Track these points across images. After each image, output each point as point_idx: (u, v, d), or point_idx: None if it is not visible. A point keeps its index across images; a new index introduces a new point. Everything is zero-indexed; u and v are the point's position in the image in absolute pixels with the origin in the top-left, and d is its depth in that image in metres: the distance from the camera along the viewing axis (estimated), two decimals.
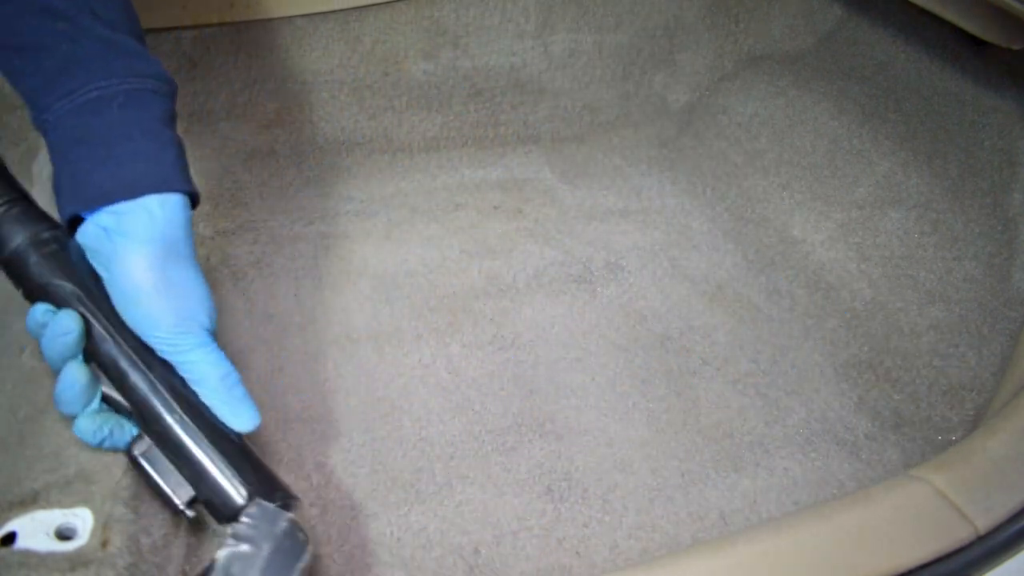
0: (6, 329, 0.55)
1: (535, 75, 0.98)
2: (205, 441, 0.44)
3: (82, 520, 0.45)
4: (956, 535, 0.42)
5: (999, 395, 0.59)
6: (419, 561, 0.54)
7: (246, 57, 0.84)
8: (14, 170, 0.82)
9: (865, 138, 0.92)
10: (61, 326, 0.42)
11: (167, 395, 0.44)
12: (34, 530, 0.43)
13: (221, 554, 0.41)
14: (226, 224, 0.78)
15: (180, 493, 0.44)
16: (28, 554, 0.42)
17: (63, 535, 0.44)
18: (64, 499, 0.45)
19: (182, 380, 0.45)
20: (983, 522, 0.43)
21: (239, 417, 0.45)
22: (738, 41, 1.07)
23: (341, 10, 0.86)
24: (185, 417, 0.44)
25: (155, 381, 0.44)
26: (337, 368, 0.67)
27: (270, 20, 0.84)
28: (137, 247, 0.42)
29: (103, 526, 0.45)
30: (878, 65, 1.01)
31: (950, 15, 0.78)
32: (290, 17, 0.84)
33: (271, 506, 0.43)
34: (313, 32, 0.86)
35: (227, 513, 0.44)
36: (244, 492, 0.43)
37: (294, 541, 0.43)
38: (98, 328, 0.44)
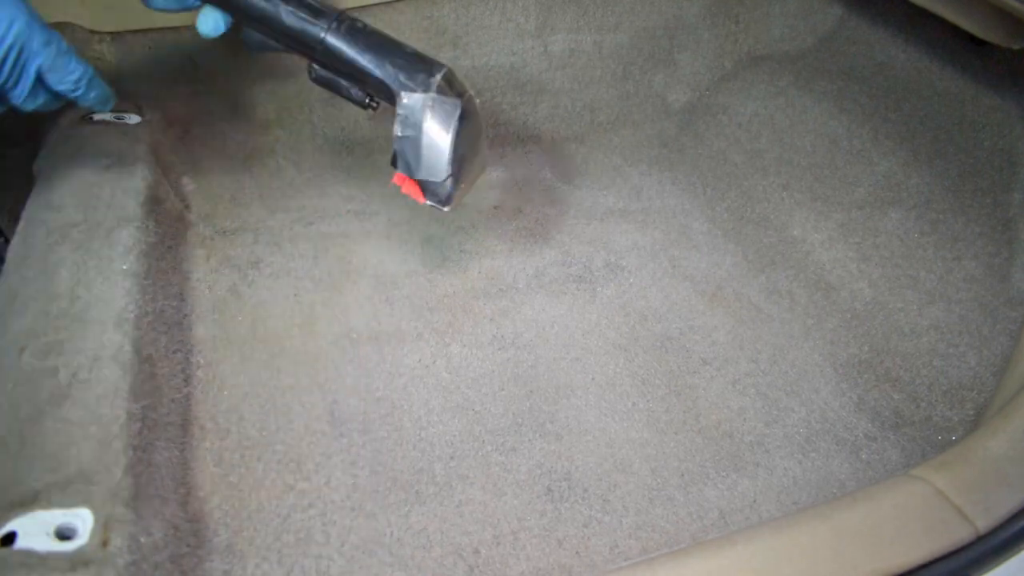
0: (6, 329, 0.55)
1: (535, 75, 0.98)
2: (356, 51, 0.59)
3: (82, 520, 0.45)
4: (956, 535, 0.42)
5: (999, 395, 0.59)
6: (419, 561, 0.54)
7: (246, 57, 0.84)
8: (15, 170, 0.82)
9: (865, 138, 0.92)
10: None
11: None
12: (34, 530, 0.43)
13: (395, 145, 0.59)
14: (226, 224, 0.78)
15: (356, 95, 0.62)
16: (28, 554, 0.42)
17: (63, 535, 0.44)
18: (64, 499, 0.45)
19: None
20: (983, 522, 0.43)
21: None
22: (738, 41, 1.07)
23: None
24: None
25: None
26: (337, 368, 0.67)
27: None
28: None
29: (103, 526, 0.45)
30: (878, 65, 1.01)
31: (950, 15, 0.78)
32: None
33: (415, 95, 0.57)
34: None
35: (393, 100, 0.59)
36: (393, 89, 0.58)
37: (443, 108, 0.57)
38: None
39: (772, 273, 0.82)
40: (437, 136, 0.57)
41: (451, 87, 0.59)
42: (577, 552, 0.56)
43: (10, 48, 0.50)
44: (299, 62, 0.88)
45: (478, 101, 0.62)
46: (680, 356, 0.72)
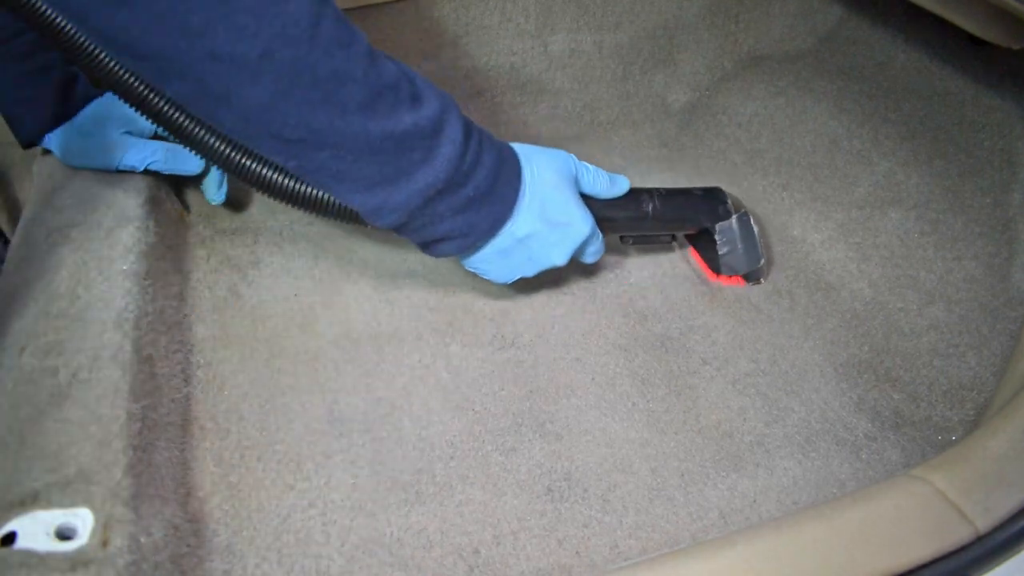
0: (6, 329, 0.55)
1: (535, 75, 0.98)
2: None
3: (82, 520, 0.45)
4: (956, 535, 0.42)
5: (999, 395, 0.59)
6: (419, 561, 0.54)
7: None
8: (14, 171, 0.82)
9: (865, 138, 0.92)
10: None
11: None
12: (34, 530, 0.43)
13: (721, 260, 0.79)
14: (226, 224, 0.79)
15: (664, 238, 0.81)
16: (28, 554, 0.42)
17: (63, 535, 0.44)
18: (64, 499, 0.45)
19: None
20: (983, 522, 0.43)
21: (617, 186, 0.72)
22: (738, 41, 1.07)
23: (341, 10, 0.86)
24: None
25: None
26: (337, 368, 0.67)
27: None
28: None
29: (103, 526, 0.45)
30: (878, 65, 1.01)
31: (950, 15, 0.78)
32: None
33: (723, 223, 0.77)
34: None
35: (698, 227, 0.79)
36: (708, 227, 0.78)
37: (743, 223, 0.78)
38: None
39: (772, 273, 0.82)
40: (749, 242, 0.78)
41: (733, 203, 0.78)
42: (577, 552, 0.56)
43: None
44: None
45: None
46: (680, 356, 0.72)
